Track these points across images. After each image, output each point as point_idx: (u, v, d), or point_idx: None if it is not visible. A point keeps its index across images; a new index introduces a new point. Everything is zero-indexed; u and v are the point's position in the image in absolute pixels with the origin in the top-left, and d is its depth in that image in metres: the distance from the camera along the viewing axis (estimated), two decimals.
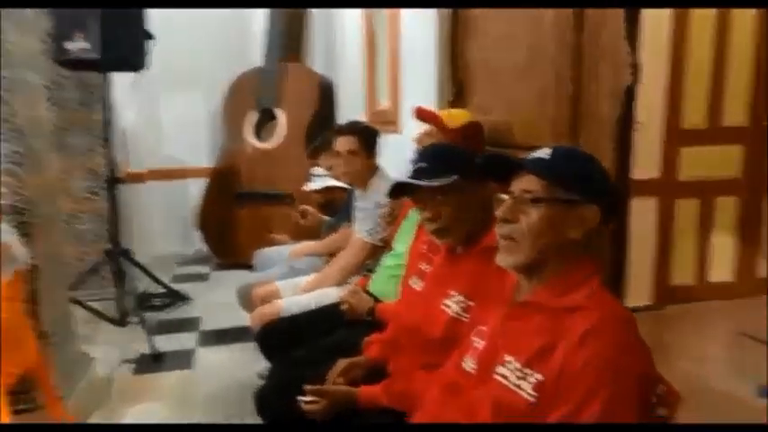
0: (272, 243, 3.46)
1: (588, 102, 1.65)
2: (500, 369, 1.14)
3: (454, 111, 2.19)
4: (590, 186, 1.14)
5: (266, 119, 5.02)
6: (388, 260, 2.29)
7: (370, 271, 2.43)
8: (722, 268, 3.79)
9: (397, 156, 2.50)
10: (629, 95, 1.51)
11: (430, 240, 1.76)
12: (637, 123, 1.54)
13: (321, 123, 4.68)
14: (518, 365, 1.11)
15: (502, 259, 1.18)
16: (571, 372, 1.02)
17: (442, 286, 1.61)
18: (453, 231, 1.57)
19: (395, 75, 3.56)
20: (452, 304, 1.56)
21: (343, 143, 2.48)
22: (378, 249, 2.47)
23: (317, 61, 5.37)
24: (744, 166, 3.73)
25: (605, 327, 1.03)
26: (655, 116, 3.39)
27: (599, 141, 1.57)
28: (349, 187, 2.97)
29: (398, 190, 1.65)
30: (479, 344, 1.28)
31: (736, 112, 3.66)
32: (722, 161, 3.71)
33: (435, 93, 2.79)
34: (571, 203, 1.12)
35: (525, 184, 1.14)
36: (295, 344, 2.02)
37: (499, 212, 1.16)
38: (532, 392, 1.07)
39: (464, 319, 1.51)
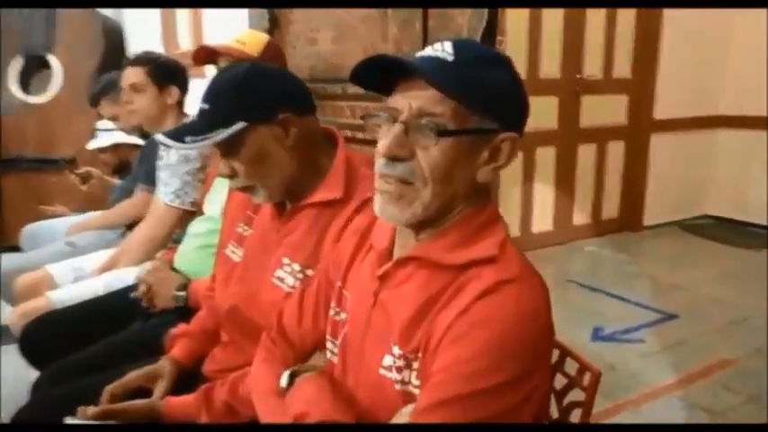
0: (44, 216, 2.76)
1: (441, 16, 1.34)
2: (387, 360, 0.80)
3: (245, 34, 1.78)
4: (512, 106, 0.81)
5: (36, 67, 4.11)
6: (196, 226, 1.83)
7: (177, 242, 1.95)
8: (543, 218, 3.87)
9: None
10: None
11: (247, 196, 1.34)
12: (500, 38, 1.26)
13: (109, 72, 3.94)
14: (401, 351, 0.78)
15: (387, 211, 0.81)
16: (457, 329, 0.72)
17: (270, 253, 1.23)
18: (263, 187, 1.17)
19: (195, 10, 3.01)
20: (286, 276, 1.19)
21: (127, 76, 1.96)
22: (188, 215, 1.99)
23: None
24: (558, 117, 3.82)
25: (518, 285, 0.73)
26: None
27: None
28: (142, 142, 2.42)
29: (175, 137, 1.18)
30: (341, 317, 0.93)
31: (551, 65, 3.71)
32: (540, 112, 3.75)
33: (247, 26, 2.33)
34: (487, 133, 0.79)
35: (422, 101, 0.76)
36: (72, 346, 1.51)
37: (384, 147, 0.78)
38: (417, 381, 0.77)
39: None
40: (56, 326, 1.65)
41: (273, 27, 2.09)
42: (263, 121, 1.12)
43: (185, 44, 3.36)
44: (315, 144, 1.21)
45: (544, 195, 3.84)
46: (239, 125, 1.10)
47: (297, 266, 1.18)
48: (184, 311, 1.54)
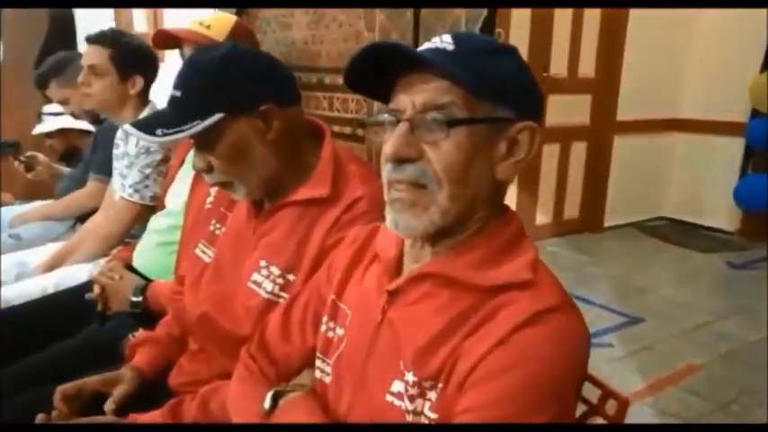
0: None
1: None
2: (397, 386, 0.71)
3: (209, 16, 1.67)
4: (525, 92, 0.75)
5: None
6: (156, 221, 1.70)
7: (135, 237, 1.81)
8: None
9: (161, 90, 1.88)
10: None
11: (220, 189, 1.23)
12: (499, 30, 1.19)
13: (55, 52, 3.72)
14: (415, 378, 0.70)
15: (401, 222, 0.73)
16: (492, 363, 0.65)
17: (245, 255, 1.12)
18: (242, 184, 1.07)
19: None
20: (264, 280, 1.08)
21: (88, 54, 1.81)
22: (147, 210, 1.85)
23: None
24: None
25: (559, 316, 0.66)
26: None
27: None
28: (92, 128, 2.26)
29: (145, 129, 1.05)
30: (336, 333, 0.84)
31: None
32: None
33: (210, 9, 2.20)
34: (501, 123, 0.72)
35: (426, 94, 0.70)
36: (19, 352, 1.37)
37: (390, 148, 0.71)
38: (432, 414, 0.69)
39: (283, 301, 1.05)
40: (1, 328, 1.50)
41: (241, 10, 1.96)
42: (243, 112, 1.02)
43: (140, 25, 3.16)
44: (299, 138, 1.11)
45: (508, 194, 3.80)
46: (216, 117, 1.00)
47: (276, 270, 1.08)
48: (142, 316, 1.41)
